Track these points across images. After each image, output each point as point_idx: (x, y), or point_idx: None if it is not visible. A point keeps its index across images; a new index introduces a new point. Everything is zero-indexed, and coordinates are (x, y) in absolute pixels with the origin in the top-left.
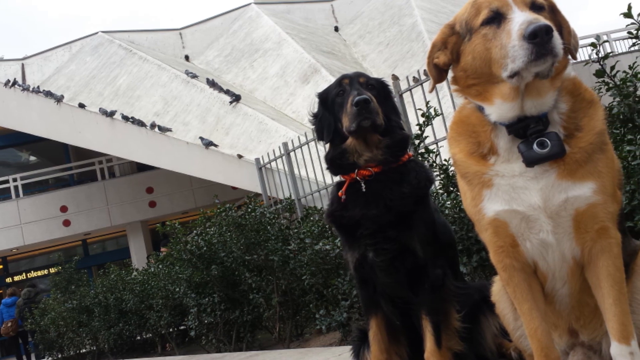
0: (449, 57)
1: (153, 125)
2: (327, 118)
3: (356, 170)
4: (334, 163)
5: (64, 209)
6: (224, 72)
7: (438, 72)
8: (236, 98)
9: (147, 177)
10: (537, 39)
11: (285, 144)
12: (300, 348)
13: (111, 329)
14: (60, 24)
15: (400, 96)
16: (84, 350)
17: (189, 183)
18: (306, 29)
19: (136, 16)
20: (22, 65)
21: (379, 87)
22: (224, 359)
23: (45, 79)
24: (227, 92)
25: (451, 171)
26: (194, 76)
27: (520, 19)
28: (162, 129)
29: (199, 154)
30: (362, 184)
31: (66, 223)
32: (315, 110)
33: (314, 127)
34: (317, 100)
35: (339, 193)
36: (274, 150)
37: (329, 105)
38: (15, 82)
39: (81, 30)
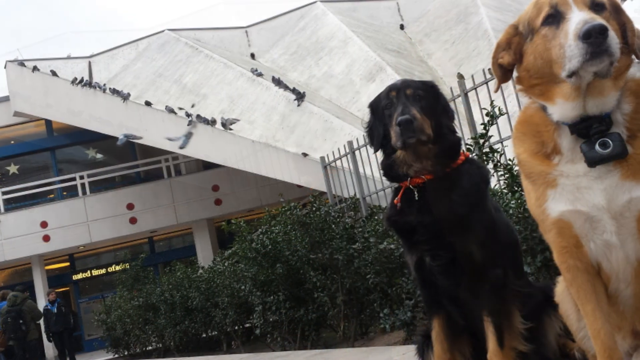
0: (513, 57)
1: (224, 124)
2: (377, 128)
3: (409, 179)
4: (386, 173)
5: (130, 206)
6: (290, 70)
7: (503, 72)
8: (301, 96)
9: (212, 175)
10: (591, 39)
11: (350, 143)
12: (364, 347)
13: (177, 327)
14: (126, 23)
15: (466, 95)
16: (150, 348)
17: (254, 181)
18: (371, 27)
19: (201, 14)
20: (89, 63)
21: (427, 94)
22: (289, 357)
23: (112, 76)
24: (293, 90)
25: (516, 171)
26: (260, 74)
27: (577, 18)
28: (229, 122)
29: (265, 152)
30: (415, 193)
31: (133, 220)
32: (368, 118)
33: (366, 134)
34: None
35: (395, 200)
36: (338, 149)
37: (379, 115)
38: (82, 80)
39: (146, 29)
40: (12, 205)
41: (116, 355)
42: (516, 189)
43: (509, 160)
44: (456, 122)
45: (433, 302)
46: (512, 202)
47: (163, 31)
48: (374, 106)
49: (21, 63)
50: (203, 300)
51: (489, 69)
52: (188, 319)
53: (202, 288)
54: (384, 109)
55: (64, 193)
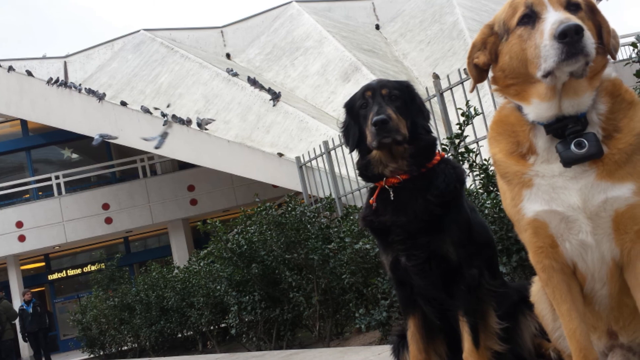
0: (489, 57)
1: (199, 124)
2: (352, 128)
3: (384, 179)
4: (362, 173)
5: (106, 206)
6: (265, 70)
7: (478, 72)
8: (277, 96)
9: (188, 175)
10: (567, 39)
11: (325, 143)
12: (340, 347)
13: (152, 327)
14: (102, 22)
15: (441, 95)
16: (125, 348)
17: (230, 181)
18: (347, 27)
19: (177, 14)
20: (65, 63)
21: (403, 94)
22: (264, 357)
23: (88, 76)
24: (268, 90)
25: (491, 171)
26: (235, 74)
27: (552, 18)
28: (205, 122)
29: (240, 152)
30: (391, 192)
31: (108, 220)
32: (343, 118)
33: (342, 134)
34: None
35: (370, 200)
36: (314, 149)
37: (354, 115)
38: (57, 80)
39: (123, 28)
40: None
41: (91, 355)
42: (492, 189)
43: (485, 160)
44: (432, 122)
45: (408, 302)
46: (487, 202)
47: (138, 31)
48: (350, 106)
49: None
50: (178, 300)
51: (465, 69)
52: (163, 319)
53: (178, 288)
54: (360, 109)
55: (40, 193)
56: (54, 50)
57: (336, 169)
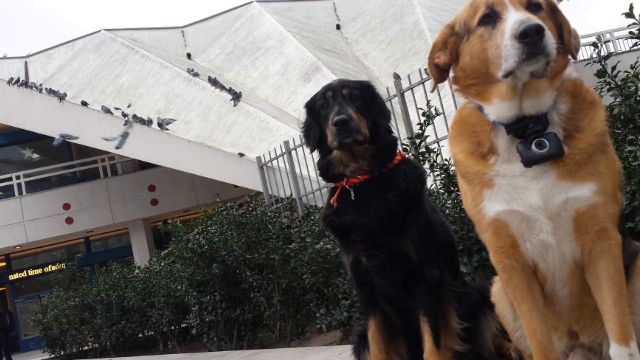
0: (449, 57)
1: (160, 124)
2: (313, 128)
3: (345, 179)
4: (323, 173)
5: (66, 206)
6: (226, 70)
7: (439, 72)
8: (237, 96)
9: (149, 175)
10: (528, 39)
11: (286, 143)
12: (300, 347)
13: (113, 327)
14: (63, 23)
15: (402, 95)
16: (86, 348)
17: (191, 181)
18: (308, 27)
19: (138, 14)
20: (26, 63)
21: (363, 94)
22: (225, 357)
23: (49, 76)
24: (229, 90)
25: (452, 171)
26: (196, 74)
27: (513, 18)
28: (165, 122)
29: (201, 152)
30: (351, 193)
31: (69, 220)
32: (304, 119)
33: (302, 134)
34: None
35: (331, 200)
36: (275, 149)
37: (315, 115)
38: (18, 80)
39: (84, 28)
40: None
41: (52, 355)
42: (452, 189)
43: (445, 160)
44: (392, 122)
45: (369, 302)
46: (448, 202)
47: (99, 31)
48: (310, 106)
49: None
50: (139, 300)
51: (425, 69)
52: (124, 319)
53: (139, 288)
54: (320, 109)
55: (0, 193)
56: (14, 50)
57: (297, 169)
